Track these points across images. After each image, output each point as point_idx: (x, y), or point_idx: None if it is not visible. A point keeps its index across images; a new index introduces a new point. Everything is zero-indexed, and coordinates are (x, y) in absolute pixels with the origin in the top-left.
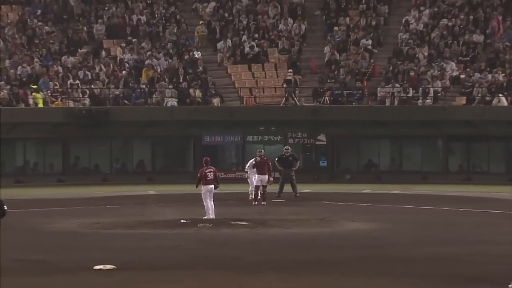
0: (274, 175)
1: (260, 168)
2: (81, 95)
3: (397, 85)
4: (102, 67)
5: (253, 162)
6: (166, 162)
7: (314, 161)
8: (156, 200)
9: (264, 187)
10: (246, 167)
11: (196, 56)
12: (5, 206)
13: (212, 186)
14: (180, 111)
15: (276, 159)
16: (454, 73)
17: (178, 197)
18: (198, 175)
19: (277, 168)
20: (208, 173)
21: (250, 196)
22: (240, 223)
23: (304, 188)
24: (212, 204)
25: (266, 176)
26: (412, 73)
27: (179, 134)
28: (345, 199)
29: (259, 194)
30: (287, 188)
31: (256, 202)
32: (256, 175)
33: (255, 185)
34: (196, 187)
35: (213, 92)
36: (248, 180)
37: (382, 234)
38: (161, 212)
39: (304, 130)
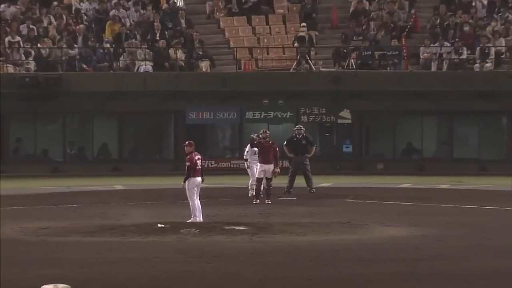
0: (282, 164)
1: (263, 154)
2: (23, 57)
3: (446, 43)
4: (52, 19)
5: (255, 148)
6: (138, 147)
7: (336, 146)
8: (125, 198)
9: (269, 180)
10: (245, 153)
11: (178, 4)
12: None
13: (200, 178)
14: (157, 79)
15: (285, 142)
16: None
17: (153, 193)
18: (188, 163)
19: (287, 155)
20: (198, 161)
21: (250, 192)
22: (236, 228)
23: (322, 181)
24: (199, 202)
25: (271, 166)
26: (466, 28)
27: (155, 109)
28: (376, 196)
29: (262, 190)
30: (299, 181)
31: (258, 200)
32: (258, 164)
33: (257, 178)
34: (185, 181)
35: (200, 53)
36: (248, 170)
37: (426, 243)
38: (131, 214)
39: (321, 104)
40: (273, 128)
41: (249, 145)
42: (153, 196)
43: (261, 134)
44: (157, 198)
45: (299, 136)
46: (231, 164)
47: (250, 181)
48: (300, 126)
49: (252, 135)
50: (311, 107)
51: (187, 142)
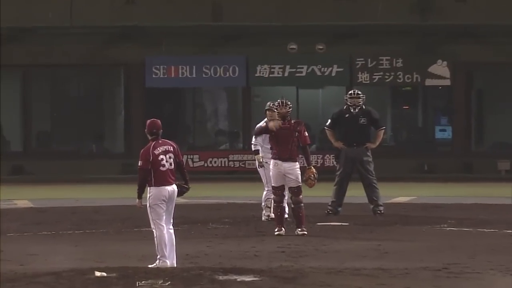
0: (324, 161)
1: (280, 144)
2: None
3: None
4: None
5: (267, 129)
6: (57, 132)
7: (422, 128)
8: (33, 223)
9: (296, 191)
10: (253, 141)
11: None
12: None
13: (173, 187)
14: (92, 7)
15: (329, 122)
16: None
17: (86, 214)
18: (140, 162)
19: (332, 145)
20: (161, 156)
21: (264, 213)
22: (239, 279)
23: (398, 193)
24: (172, 231)
25: (295, 166)
26: None
27: (90, 61)
28: (496, 220)
29: (287, 208)
30: (355, 192)
31: (283, 230)
32: (272, 162)
33: (273, 187)
34: (140, 196)
35: None
36: (261, 171)
37: None
38: (47, 253)
39: (395, 52)
40: (305, 94)
41: (260, 124)
42: (85, 219)
43: (275, 107)
44: (92, 223)
45: (354, 110)
46: (229, 161)
47: (265, 191)
48: (356, 91)
49: (277, 104)
50: (377, 56)
51: (149, 122)
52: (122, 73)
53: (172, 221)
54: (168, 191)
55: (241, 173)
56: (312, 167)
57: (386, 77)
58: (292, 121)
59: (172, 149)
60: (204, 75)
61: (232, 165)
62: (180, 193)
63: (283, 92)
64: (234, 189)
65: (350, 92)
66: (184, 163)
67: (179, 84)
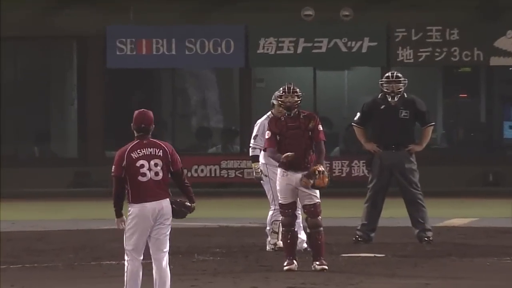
0: (349, 170)
1: (291, 148)
2: None
3: None
4: None
5: (268, 128)
6: None
7: (485, 125)
8: None
9: (311, 210)
10: (252, 142)
11: None
12: None
13: (161, 204)
14: None
15: (357, 116)
16: None
17: (24, 241)
18: (113, 168)
19: (363, 147)
20: (141, 162)
21: (269, 242)
22: None
23: (453, 214)
24: (164, 267)
25: (310, 176)
26: None
27: (32, 33)
28: None
29: (302, 235)
30: (394, 211)
31: (294, 263)
32: (281, 170)
33: (281, 205)
34: (115, 207)
35: None
36: (265, 186)
37: None
38: None
39: (449, 22)
40: (327, 79)
41: (261, 121)
42: (24, 248)
43: (280, 97)
44: (35, 253)
45: (393, 99)
46: (221, 170)
47: (271, 212)
48: (395, 74)
49: (283, 92)
50: (423, 26)
51: (137, 114)
52: (74, 49)
53: (166, 253)
54: (152, 210)
55: (238, 185)
56: (321, 165)
57: (437, 54)
58: (302, 116)
59: (161, 153)
60: (187, 52)
61: (226, 175)
62: (178, 213)
63: (294, 75)
64: (229, 207)
65: (387, 75)
66: (184, 174)
67: (152, 63)
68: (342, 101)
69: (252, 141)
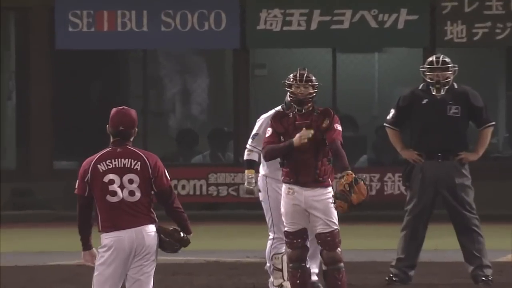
0: (380, 186)
1: (299, 156)
2: None
3: None
4: None
5: (270, 129)
6: None
7: None
8: None
9: (328, 239)
10: (249, 143)
11: None
12: None
13: (141, 233)
14: None
15: (392, 114)
16: None
17: None
18: (76, 185)
19: (399, 155)
20: (110, 176)
21: (272, 277)
22: None
23: None
24: None
25: (327, 193)
26: None
27: None
28: None
29: (314, 275)
30: (440, 241)
31: None
32: (286, 186)
33: (286, 233)
34: (81, 237)
35: None
36: (264, 205)
37: None
38: None
39: None
40: (350, 64)
41: (264, 117)
42: None
43: (289, 87)
44: None
45: (438, 92)
46: (208, 185)
47: (270, 240)
48: (442, 58)
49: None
50: None
51: (114, 113)
52: (11, 24)
53: None
54: (130, 241)
55: (232, 206)
56: (350, 172)
57: (498, 31)
58: (316, 113)
59: (138, 166)
60: (163, 28)
61: (215, 193)
62: (168, 246)
63: (307, 60)
64: (219, 236)
65: (430, 59)
66: (174, 194)
67: (117, 44)
68: (370, 94)
69: (249, 141)
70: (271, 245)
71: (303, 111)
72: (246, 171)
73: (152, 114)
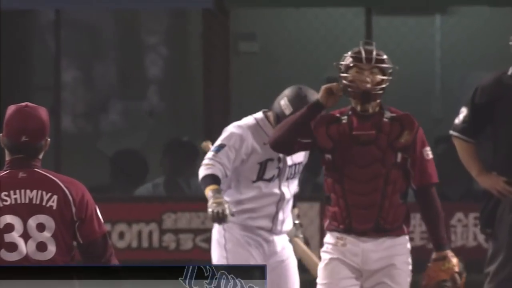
0: (448, 233)
1: (357, 174)
2: None
3: None
4: None
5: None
6: None
7: None
8: None
9: None
10: (211, 155)
11: None
12: None
13: None
14: None
15: (464, 116)
16: None
17: None
18: None
19: (477, 184)
20: (8, 219)
21: None
22: None
23: None
24: None
25: (403, 244)
26: None
27: None
28: None
29: None
30: None
31: None
32: (332, 235)
33: None
34: None
35: None
36: (214, 248)
37: None
38: None
39: None
40: (395, 33)
41: (232, 131)
42: None
43: (348, 70)
44: None
45: None
46: (162, 234)
47: None
48: None
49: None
50: None
51: (10, 116)
52: None
53: None
54: None
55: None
56: (449, 253)
57: None
58: (387, 118)
59: (54, 203)
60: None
61: (173, 245)
62: None
63: (323, 27)
64: None
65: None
66: (111, 248)
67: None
68: (428, 82)
69: (210, 154)
70: None
71: (370, 111)
72: (207, 189)
73: (71, 114)
